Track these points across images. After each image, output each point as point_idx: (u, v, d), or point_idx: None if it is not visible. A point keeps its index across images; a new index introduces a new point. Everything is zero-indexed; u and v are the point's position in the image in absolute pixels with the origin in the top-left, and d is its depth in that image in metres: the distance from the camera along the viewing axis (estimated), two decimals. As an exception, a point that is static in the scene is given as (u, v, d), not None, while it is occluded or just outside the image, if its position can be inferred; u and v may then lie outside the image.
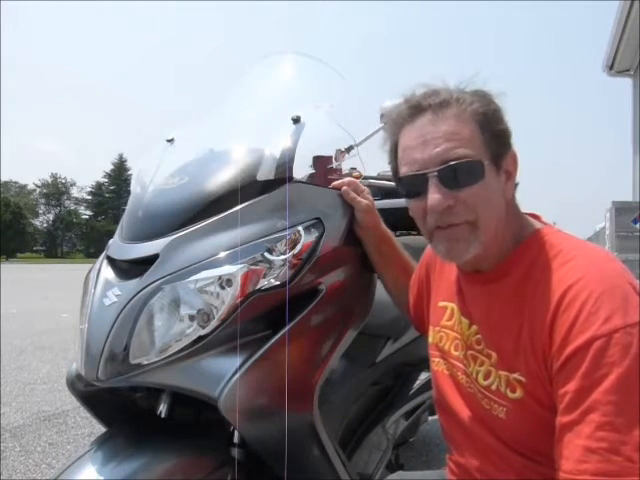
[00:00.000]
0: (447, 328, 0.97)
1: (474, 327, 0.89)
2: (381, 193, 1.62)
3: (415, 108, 0.83)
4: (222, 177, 1.01)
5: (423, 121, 0.81)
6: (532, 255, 0.81)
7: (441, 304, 1.00)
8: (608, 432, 0.64)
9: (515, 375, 0.78)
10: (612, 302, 0.69)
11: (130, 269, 0.97)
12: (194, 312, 0.87)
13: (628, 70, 9.17)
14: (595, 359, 0.66)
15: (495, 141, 0.81)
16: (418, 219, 0.86)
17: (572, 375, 0.68)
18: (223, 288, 0.88)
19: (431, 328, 1.02)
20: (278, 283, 0.91)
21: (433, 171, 0.79)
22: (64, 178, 76.72)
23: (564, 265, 0.76)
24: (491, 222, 0.81)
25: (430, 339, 1.02)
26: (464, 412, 0.89)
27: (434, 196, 0.79)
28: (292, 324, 0.92)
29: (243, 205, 0.96)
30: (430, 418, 2.17)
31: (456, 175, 0.78)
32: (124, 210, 1.12)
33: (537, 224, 0.87)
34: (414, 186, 0.83)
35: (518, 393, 0.77)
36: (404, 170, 0.84)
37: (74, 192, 77.13)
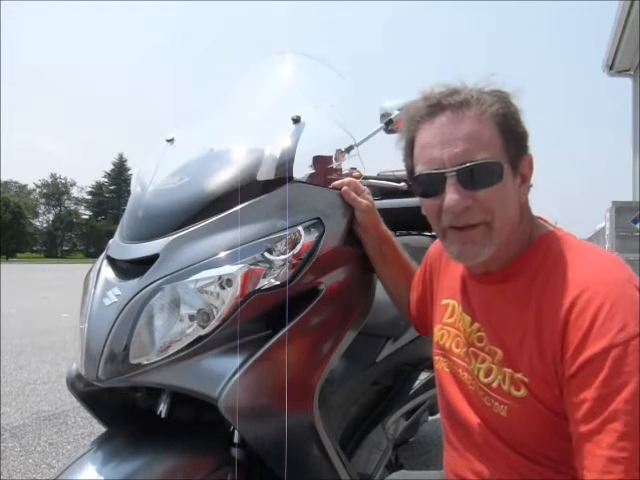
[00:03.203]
0: (448, 325, 0.97)
1: (476, 324, 0.89)
2: (381, 193, 1.62)
3: (435, 106, 0.82)
4: (222, 177, 1.01)
5: (443, 120, 0.80)
6: (541, 258, 0.81)
7: (444, 302, 1.00)
8: (630, 441, 0.64)
9: (519, 375, 0.78)
10: (626, 309, 0.69)
11: (130, 269, 0.97)
12: (194, 312, 0.87)
13: (628, 70, 9.15)
14: (613, 367, 0.66)
15: (514, 144, 0.81)
16: (431, 218, 0.86)
17: (589, 383, 0.67)
18: (223, 288, 0.88)
19: (435, 326, 1.02)
20: (278, 283, 0.91)
21: (452, 171, 0.78)
22: (64, 178, 76.93)
23: (573, 269, 0.76)
24: (506, 224, 0.81)
25: (433, 337, 1.02)
26: (466, 410, 0.89)
27: (452, 196, 0.79)
28: (292, 324, 0.92)
29: (243, 205, 0.96)
30: (430, 418, 2.17)
31: (475, 176, 0.78)
32: (124, 210, 1.11)
33: (547, 227, 0.87)
34: (431, 185, 0.82)
35: (522, 392, 0.77)
36: (421, 168, 0.83)
37: (74, 192, 77.36)
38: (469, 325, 0.90)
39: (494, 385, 0.82)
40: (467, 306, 0.92)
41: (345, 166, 1.22)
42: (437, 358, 0.99)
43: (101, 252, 1.09)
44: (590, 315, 0.70)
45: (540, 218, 0.89)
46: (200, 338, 0.87)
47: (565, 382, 0.71)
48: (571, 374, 0.70)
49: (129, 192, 1.17)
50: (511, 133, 0.81)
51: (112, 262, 1.02)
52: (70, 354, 4.50)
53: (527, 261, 0.83)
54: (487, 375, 0.84)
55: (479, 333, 0.88)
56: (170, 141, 1.19)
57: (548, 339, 0.74)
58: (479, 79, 0.83)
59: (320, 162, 1.20)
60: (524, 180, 0.84)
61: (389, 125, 1.33)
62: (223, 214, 0.96)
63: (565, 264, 0.78)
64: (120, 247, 1.01)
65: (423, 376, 1.69)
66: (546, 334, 0.74)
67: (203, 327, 0.87)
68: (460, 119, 0.79)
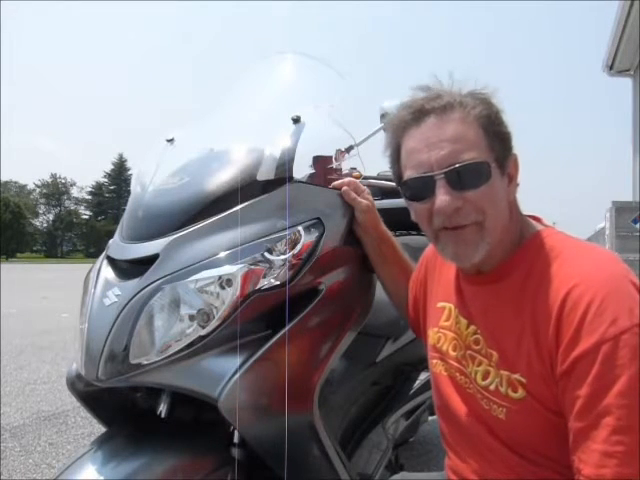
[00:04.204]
0: (445, 329, 0.96)
1: (472, 327, 0.89)
2: (381, 193, 1.62)
3: (418, 112, 0.82)
4: (222, 177, 1.01)
5: (427, 124, 0.81)
6: (533, 256, 0.81)
7: (439, 305, 1.00)
8: (624, 435, 0.64)
9: (516, 376, 0.78)
10: (617, 304, 0.69)
11: (130, 269, 0.97)
12: (194, 312, 0.87)
13: (628, 70, 9.15)
14: (605, 362, 0.66)
15: (499, 144, 0.82)
16: (422, 222, 0.86)
17: (582, 379, 0.68)
18: (223, 288, 0.88)
19: (430, 329, 1.02)
20: (278, 283, 0.91)
21: (440, 173, 0.79)
22: (64, 178, 76.91)
23: (566, 266, 0.76)
24: (497, 223, 0.81)
25: (429, 340, 1.01)
26: (463, 413, 0.89)
27: (442, 198, 0.79)
28: (292, 324, 0.92)
29: (243, 205, 0.96)
30: (430, 418, 2.17)
31: (463, 177, 0.78)
32: (124, 210, 1.12)
33: (538, 226, 0.87)
34: (420, 189, 0.83)
35: (520, 393, 0.77)
36: (409, 173, 0.84)
37: (74, 192, 77.35)
38: (465, 328, 0.90)
39: (491, 388, 0.82)
40: (463, 309, 0.92)
41: (345, 166, 1.22)
42: (434, 361, 0.99)
43: (101, 252, 1.09)
44: (581, 311, 0.70)
45: (534, 217, 0.89)
46: (200, 338, 0.87)
47: (559, 378, 0.72)
48: (564, 370, 0.70)
49: (129, 192, 1.17)
50: (496, 134, 0.81)
51: (112, 262, 1.02)
52: (70, 354, 4.50)
53: (518, 260, 0.83)
54: (484, 378, 0.84)
55: (475, 336, 0.88)
56: (170, 141, 1.19)
57: (544, 337, 0.74)
58: (457, 79, 0.84)
59: (320, 162, 1.20)
60: (511, 179, 0.85)
61: (389, 125, 1.33)
62: (223, 214, 0.96)
63: (558, 261, 0.78)
64: (120, 247, 1.01)
65: (423, 376, 1.69)
66: (542, 332, 0.75)
67: (203, 327, 0.87)
68: (444, 122, 0.80)
